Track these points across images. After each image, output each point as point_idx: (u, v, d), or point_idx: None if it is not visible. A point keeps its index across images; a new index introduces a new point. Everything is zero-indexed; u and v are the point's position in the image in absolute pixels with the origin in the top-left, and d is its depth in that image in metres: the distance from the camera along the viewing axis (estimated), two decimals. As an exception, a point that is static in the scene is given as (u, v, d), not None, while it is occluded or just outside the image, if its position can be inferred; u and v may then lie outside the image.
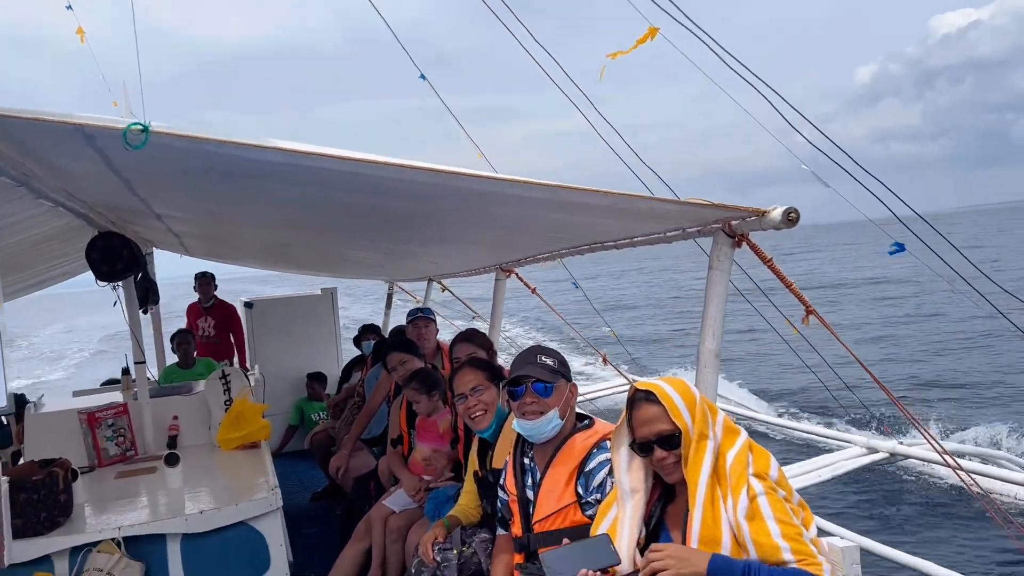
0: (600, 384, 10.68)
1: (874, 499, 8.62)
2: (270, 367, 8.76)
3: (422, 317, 5.63)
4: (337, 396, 7.89)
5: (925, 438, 3.90)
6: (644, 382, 2.40)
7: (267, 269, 10.20)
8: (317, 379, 8.82)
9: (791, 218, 2.61)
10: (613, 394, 10.06)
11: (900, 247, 3.17)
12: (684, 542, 2.20)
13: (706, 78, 4.46)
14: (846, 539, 2.38)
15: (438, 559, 3.01)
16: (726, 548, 2.11)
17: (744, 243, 2.95)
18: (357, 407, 6.56)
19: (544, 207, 3.19)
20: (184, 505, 4.84)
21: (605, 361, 6.69)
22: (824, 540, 2.28)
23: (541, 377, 2.76)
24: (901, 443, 7.09)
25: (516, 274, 5.62)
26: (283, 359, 8.94)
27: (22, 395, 9.44)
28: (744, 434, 2.32)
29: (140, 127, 2.21)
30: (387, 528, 4.17)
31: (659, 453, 2.30)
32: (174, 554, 4.54)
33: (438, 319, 6.66)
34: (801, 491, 6.84)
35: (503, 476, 2.96)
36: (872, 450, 7.00)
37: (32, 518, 4.29)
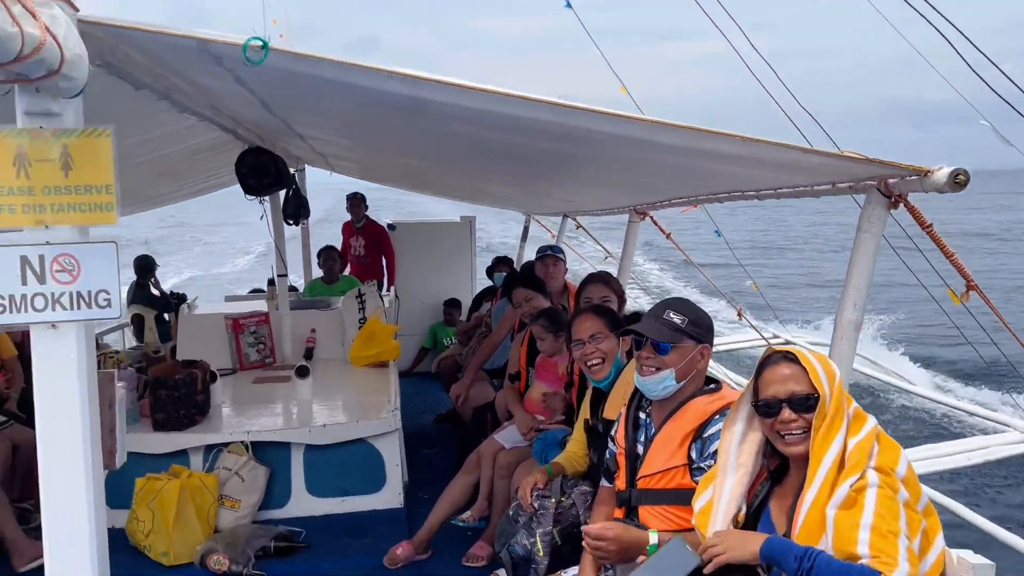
0: (734, 336, 10.27)
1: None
2: (407, 289, 8.98)
3: (551, 255, 5.52)
4: (466, 324, 7.99)
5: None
6: (782, 347, 2.20)
7: (411, 191, 10.35)
8: (453, 305, 8.96)
9: (958, 180, 2.29)
10: (747, 349, 9.65)
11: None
12: (789, 525, 2.02)
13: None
14: (980, 555, 2.08)
15: (535, 505, 2.96)
16: (831, 536, 1.91)
17: (901, 204, 2.63)
18: (484, 336, 6.61)
19: (680, 152, 2.97)
20: (311, 417, 5.07)
21: (740, 316, 6.37)
22: (954, 553, 2.02)
23: (660, 336, 2.61)
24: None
25: (651, 217, 5.38)
26: (420, 282, 9.12)
27: (183, 294, 10.19)
28: (872, 421, 2.07)
29: (260, 43, 2.17)
30: (496, 463, 4.18)
31: (787, 414, 2.09)
32: (297, 462, 4.79)
33: (571, 255, 6.54)
34: (948, 472, 6.33)
35: (615, 427, 2.86)
36: (1035, 437, 6.34)
37: (172, 414, 4.62)
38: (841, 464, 1.98)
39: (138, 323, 9.39)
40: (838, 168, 2.62)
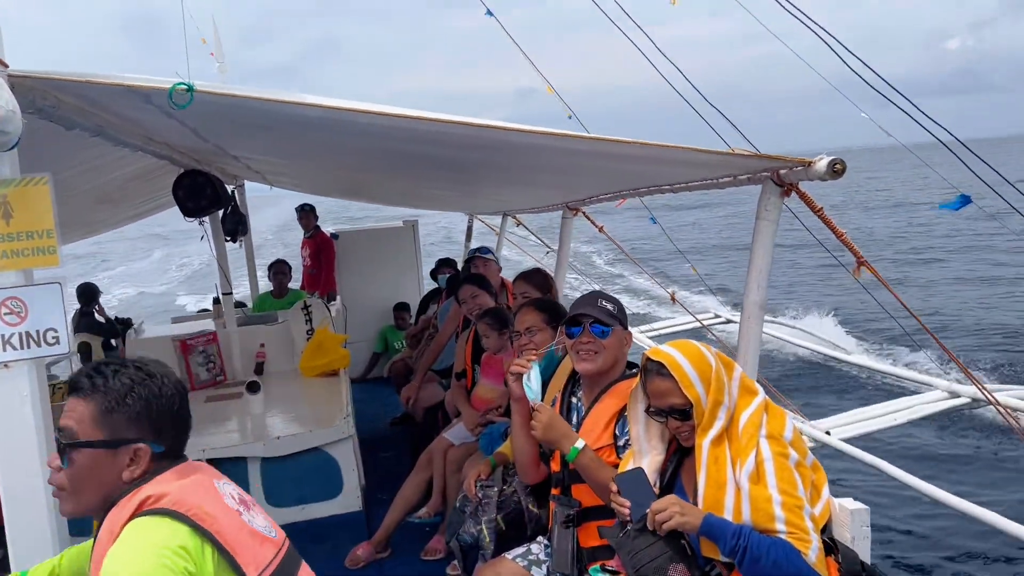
0: (677, 318, 10.62)
1: (948, 445, 8.37)
2: (354, 296, 9.08)
3: (479, 257, 5.72)
4: (414, 327, 8.12)
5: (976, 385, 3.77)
6: (656, 350, 2.41)
7: (351, 200, 10.44)
8: (403, 308, 9.08)
9: (836, 170, 2.54)
10: (680, 331, 10.02)
11: (965, 201, 3.01)
12: (695, 496, 2.25)
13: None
14: (862, 502, 2.35)
15: (480, 495, 3.15)
16: (728, 509, 2.14)
17: (793, 192, 2.88)
18: (432, 338, 6.75)
19: (595, 157, 3.19)
20: (264, 430, 5.19)
21: (673, 299, 6.64)
22: (837, 501, 2.28)
23: (600, 319, 2.80)
24: (984, 389, 6.80)
25: (583, 212, 5.60)
26: (367, 288, 9.23)
27: (128, 319, 10.13)
28: (761, 394, 2.32)
29: (185, 87, 2.31)
30: (447, 459, 4.36)
31: (673, 423, 2.35)
32: (254, 475, 4.90)
33: (514, 252, 6.71)
34: (877, 433, 6.70)
35: None
36: (954, 395, 6.75)
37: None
38: (729, 436, 2.23)
39: (85, 351, 9.32)
40: (733, 164, 2.86)
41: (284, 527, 4.82)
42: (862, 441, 5.93)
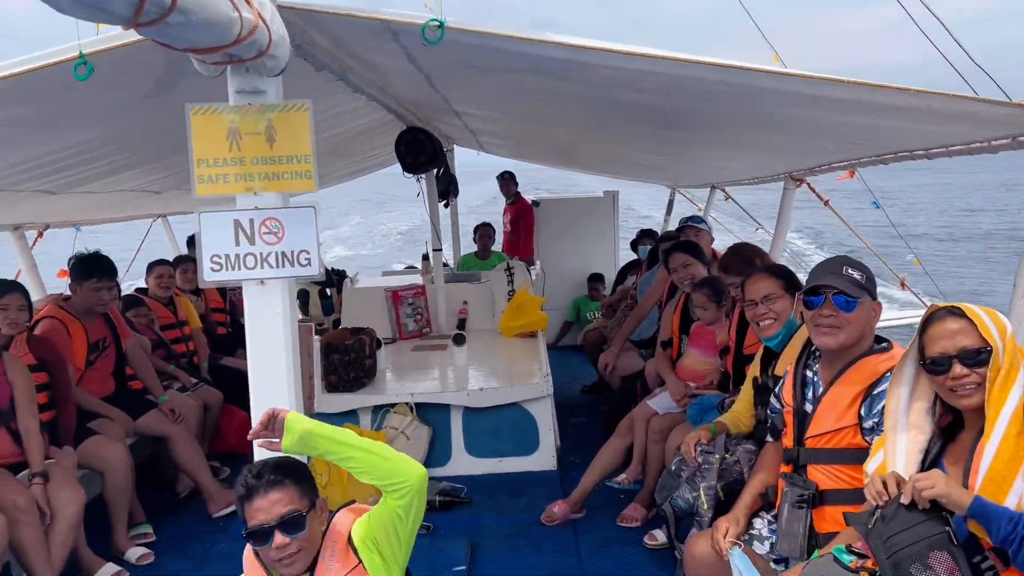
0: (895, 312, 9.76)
1: None
2: (551, 264, 9.13)
3: (691, 226, 5.49)
4: (611, 297, 8.04)
5: None
6: (946, 303, 2.14)
7: (556, 166, 10.48)
8: (597, 279, 9.05)
9: None
10: (906, 325, 9.16)
11: None
12: (966, 479, 1.98)
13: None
14: None
15: (699, 460, 3.00)
16: (1016, 494, 1.86)
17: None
18: (629, 309, 6.64)
19: (843, 108, 2.91)
20: (467, 381, 5.32)
21: (904, 286, 6.07)
22: None
23: (844, 290, 2.54)
24: None
25: (807, 184, 5.24)
26: (564, 257, 9.25)
27: (343, 271, 10.81)
28: None
29: (437, 23, 2.33)
30: (649, 428, 4.24)
31: (958, 370, 2.03)
32: (456, 423, 5.04)
33: (718, 230, 6.42)
34: None
35: (780, 384, 2.84)
36: None
37: (344, 376, 4.97)
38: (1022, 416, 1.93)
39: (303, 298, 10.03)
40: (1021, 119, 2.50)
41: (481, 477, 4.96)
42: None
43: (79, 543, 3.77)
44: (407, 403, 4.93)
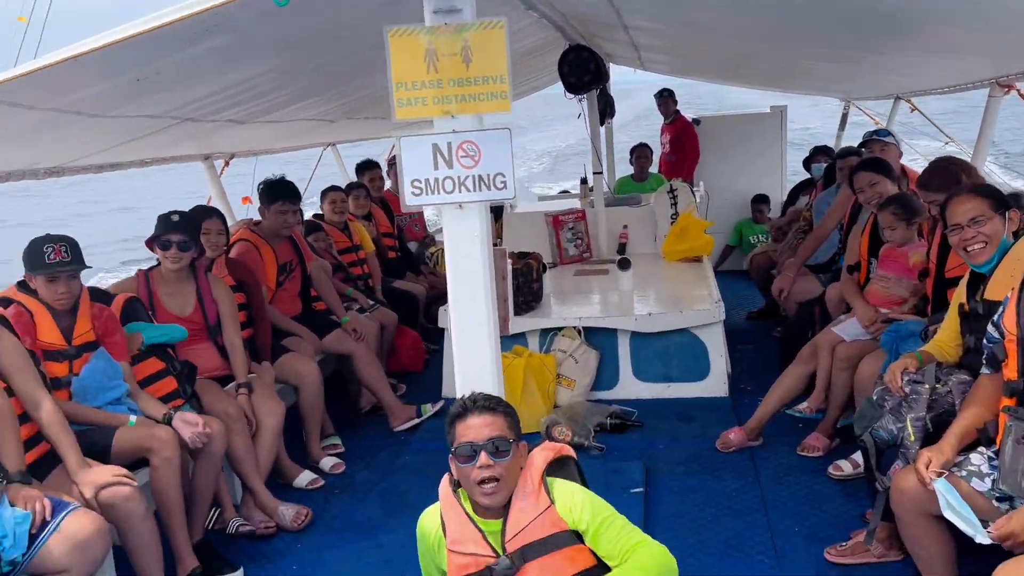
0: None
1: None
2: (712, 185, 8.77)
3: (876, 140, 5.07)
4: (781, 219, 7.66)
5: None
6: None
7: (718, 82, 9.97)
8: (762, 201, 8.63)
9: None
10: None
11: None
12: None
13: None
14: None
15: (907, 390, 2.82)
16: None
17: None
18: (802, 231, 6.31)
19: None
20: (634, 306, 5.26)
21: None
22: None
23: None
24: None
25: (1019, 91, 4.69)
26: (725, 178, 8.85)
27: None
28: None
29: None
30: (835, 355, 4.03)
31: None
32: (624, 348, 5.02)
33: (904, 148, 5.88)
34: None
35: (1000, 311, 2.59)
36: None
37: (513, 299, 5.01)
38: None
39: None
40: None
41: (650, 402, 4.92)
42: None
43: (280, 452, 4.07)
44: (575, 327, 4.94)
